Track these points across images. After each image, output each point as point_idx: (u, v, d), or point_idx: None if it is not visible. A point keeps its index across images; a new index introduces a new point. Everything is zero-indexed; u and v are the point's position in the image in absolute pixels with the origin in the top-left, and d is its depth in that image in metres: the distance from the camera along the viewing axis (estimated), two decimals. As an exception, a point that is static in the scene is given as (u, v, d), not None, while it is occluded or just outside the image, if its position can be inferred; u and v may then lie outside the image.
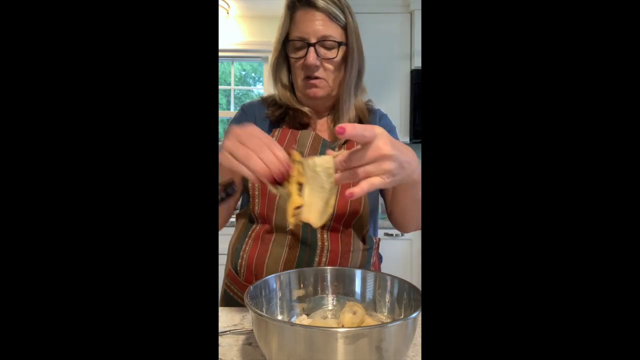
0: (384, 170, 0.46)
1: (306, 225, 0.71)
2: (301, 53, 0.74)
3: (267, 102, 0.83)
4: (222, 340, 0.58)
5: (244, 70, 2.86)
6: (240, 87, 2.85)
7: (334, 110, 0.81)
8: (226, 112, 2.73)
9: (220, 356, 0.53)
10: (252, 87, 2.87)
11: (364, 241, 0.78)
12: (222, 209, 0.74)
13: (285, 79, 0.81)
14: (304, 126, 0.80)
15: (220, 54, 2.57)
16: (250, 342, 0.58)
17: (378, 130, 0.46)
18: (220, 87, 2.73)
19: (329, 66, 0.75)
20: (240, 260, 0.76)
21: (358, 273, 0.61)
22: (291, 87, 0.81)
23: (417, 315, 0.44)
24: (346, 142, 0.78)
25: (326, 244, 0.72)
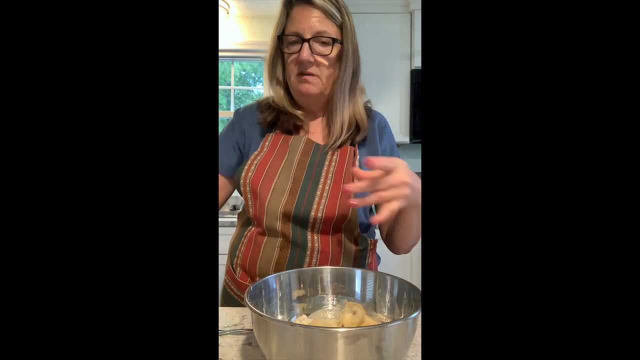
0: (402, 195, 0.55)
1: (296, 228, 0.72)
2: (295, 48, 0.74)
3: (262, 106, 0.83)
4: (222, 340, 0.58)
5: (244, 70, 2.86)
6: (240, 87, 2.85)
7: (327, 111, 0.81)
8: (226, 112, 2.73)
9: (220, 356, 0.53)
10: (252, 87, 2.87)
11: (356, 242, 0.77)
12: None
13: (280, 77, 0.80)
14: (297, 130, 0.80)
15: (220, 54, 2.57)
16: (250, 342, 0.58)
17: (399, 162, 0.56)
18: (220, 87, 2.73)
19: (324, 62, 0.74)
20: (236, 260, 0.78)
21: (358, 273, 0.61)
22: (285, 86, 0.80)
23: (417, 315, 0.44)
24: (340, 146, 0.77)
25: (316, 245, 0.72)
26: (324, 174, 0.75)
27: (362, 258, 0.78)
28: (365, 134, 0.79)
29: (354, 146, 0.79)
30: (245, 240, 0.77)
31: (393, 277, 0.57)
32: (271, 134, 0.80)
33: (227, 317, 0.67)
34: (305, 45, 0.72)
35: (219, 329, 0.62)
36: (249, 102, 2.83)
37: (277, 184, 0.73)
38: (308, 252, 0.72)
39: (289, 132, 0.79)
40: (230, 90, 2.78)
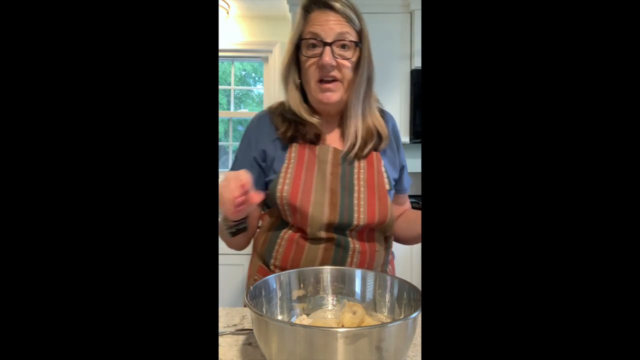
0: None
1: (339, 234, 0.74)
2: (316, 52, 0.73)
3: (276, 120, 0.80)
4: (222, 340, 0.58)
5: (244, 70, 2.86)
6: (240, 87, 2.84)
7: (344, 117, 0.81)
8: (226, 112, 2.73)
9: (220, 356, 0.53)
10: (252, 87, 2.87)
11: (386, 241, 0.81)
12: (238, 237, 0.74)
13: (297, 82, 0.78)
14: (318, 138, 0.79)
15: (220, 54, 2.56)
16: (250, 342, 0.58)
17: None
18: (220, 87, 2.72)
19: (347, 65, 0.73)
20: (273, 261, 0.78)
21: (358, 273, 0.61)
22: (302, 91, 0.79)
23: (417, 315, 0.44)
24: (367, 155, 0.78)
25: (357, 246, 0.75)
26: (355, 182, 0.77)
27: (387, 255, 0.83)
28: (387, 142, 0.81)
29: (377, 151, 0.81)
30: (283, 243, 0.77)
31: (393, 277, 0.57)
32: (295, 144, 0.79)
33: (227, 317, 0.67)
34: (327, 49, 0.71)
35: (219, 329, 0.62)
36: (249, 102, 2.83)
37: (315, 197, 0.74)
38: (350, 253, 0.74)
39: (312, 142, 0.79)
40: (230, 90, 2.78)
